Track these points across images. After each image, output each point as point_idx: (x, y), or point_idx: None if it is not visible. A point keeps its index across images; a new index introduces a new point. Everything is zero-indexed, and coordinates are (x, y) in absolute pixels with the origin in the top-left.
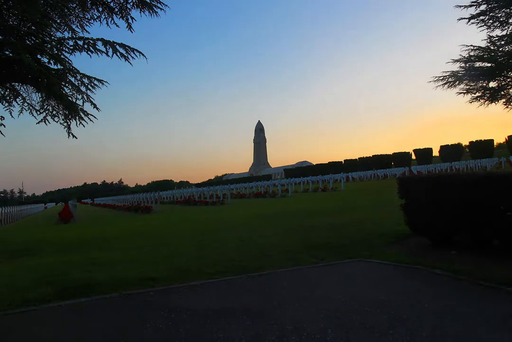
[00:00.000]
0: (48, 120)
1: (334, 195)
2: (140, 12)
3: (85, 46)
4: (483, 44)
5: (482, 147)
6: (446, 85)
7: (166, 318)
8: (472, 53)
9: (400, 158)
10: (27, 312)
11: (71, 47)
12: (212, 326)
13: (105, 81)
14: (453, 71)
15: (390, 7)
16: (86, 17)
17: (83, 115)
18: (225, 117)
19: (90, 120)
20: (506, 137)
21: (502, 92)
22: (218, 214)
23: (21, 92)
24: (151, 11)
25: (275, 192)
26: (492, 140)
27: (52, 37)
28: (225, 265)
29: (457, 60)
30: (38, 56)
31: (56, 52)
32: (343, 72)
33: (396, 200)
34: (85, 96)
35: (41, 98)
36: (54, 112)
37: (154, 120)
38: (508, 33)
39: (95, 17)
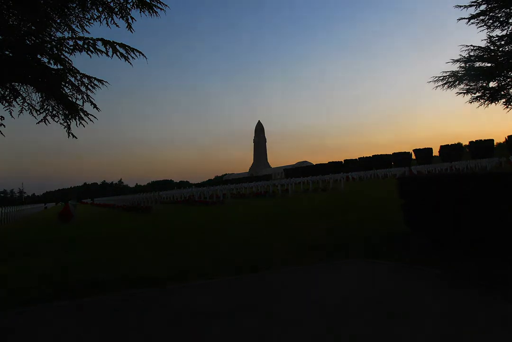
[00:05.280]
0: (48, 120)
1: (334, 194)
2: (140, 12)
3: (85, 46)
4: (483, 44)
5: (482, 147)
6: (446, 85)
7: (167, 318)
8: (472, 53)
9: (400, 158)
10: (27, 312)
11: (71, 47)
12: (211, 327)
13: (105, 81)
14: (453, 71)
15: (389, 7)
16: (86, 17)
17: (83, 115)
18: (225, 117)
19: (90, 120)
20: (506, 137)
21: (502, 92)
22: (218, 214)
23: (21, 92)
24: (151, 11)
25: (275, 192)
26: (492, 140)
27: (52, 37)
28: (225, 266)
29: (457, 60)
30: (38, 56)
31: (56, 52)
32: (343, 71)
33: (396, 200)
34: (85, 96)
35: (41, 98)
36: (54, 112)
37: (154, 119)
38: (508, 33)
39: (95, 17)
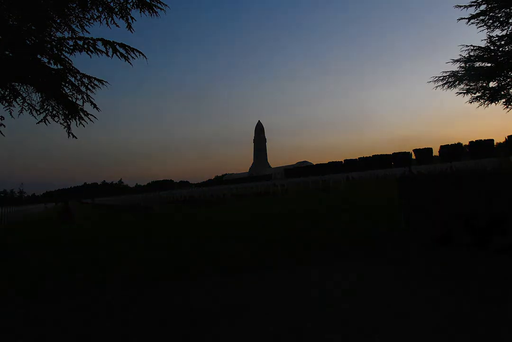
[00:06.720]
0: (48, 120)
1: (334, 194)
2: (140, 12)
3: (85, 46)
4: (483, 44)
5: (482, 147)
6: (446, 85)
7: (166, 317)
8: (472, 53)
9: (400, 158)
10: (26, 311)
11: (71, 47)
12: (210, 326)
13: (105, 81)
14: (453, 71)
15: (389, 7)
16: (86, 17)
17: (83, 115)
18: (225, 116)
19: (90, 120)
20: (506, 137)
21: (502, 92)
22: (218, 214)
23: (21, 92)
24: (151, 11)
25: (275, 192)
26: (492, 140)
27: (52, 37)
28: (225, 265)
29: (457, 60)
30: (38, 56)
31: (56, 52)
32: (343, 71)
33: (395, 200)
34: (85, 96)
35: (41, 98)
36: (54, 112)
37: (154, 119)
38: (508, 33)
39: (95, 17)
